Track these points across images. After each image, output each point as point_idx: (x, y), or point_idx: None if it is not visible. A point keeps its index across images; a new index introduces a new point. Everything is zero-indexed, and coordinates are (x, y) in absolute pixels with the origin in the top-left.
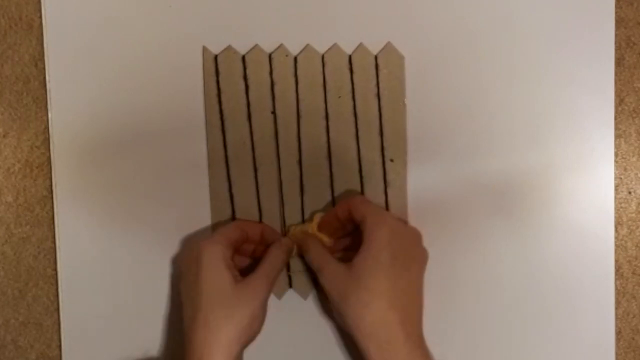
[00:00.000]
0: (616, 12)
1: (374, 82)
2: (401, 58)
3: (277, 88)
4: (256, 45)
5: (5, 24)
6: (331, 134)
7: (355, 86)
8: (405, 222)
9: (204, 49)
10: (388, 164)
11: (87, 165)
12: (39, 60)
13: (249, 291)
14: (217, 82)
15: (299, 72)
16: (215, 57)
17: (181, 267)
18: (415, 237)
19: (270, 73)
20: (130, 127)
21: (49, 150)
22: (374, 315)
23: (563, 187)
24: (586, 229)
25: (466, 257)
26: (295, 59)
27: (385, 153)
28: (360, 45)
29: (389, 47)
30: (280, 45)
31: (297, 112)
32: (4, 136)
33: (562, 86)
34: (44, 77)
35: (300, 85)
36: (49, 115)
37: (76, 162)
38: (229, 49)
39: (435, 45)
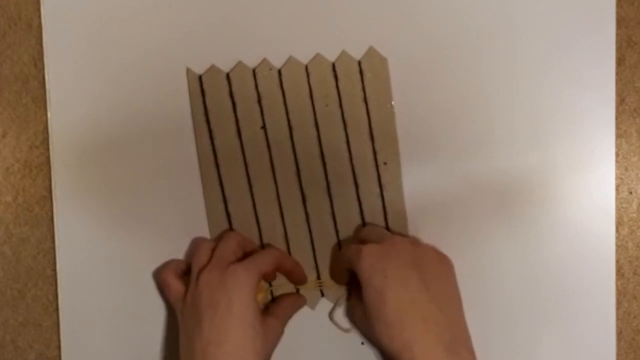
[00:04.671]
0: (617, 12)
1: (360, 87)
2: (384, 61)
3: (264, 102)
4: (239, 62)
5: (4, 23)
6: (323, 143)
7: (341, 93)
8: (398, 234)
9: (188, 70)
10: (382, 167)
11: (87, 165)
12: (38, 60)
13: (270, 331)
14: (204, 102)
15: (284, 84)
16: (200, 77)
17: (202, 289)
18: (400, 249)
19: (256, 88)
20: (130, 127)
21: (48, 150)
22: (397, 342)
23: (564, 188)
24: (587, 229)
25: (466, 257)
26: (279, 71)
27: (378, 157)
28: (343, 52)
29: (371, 51)
30: (264, 60)
31: (287, 124)
32: (3, 136)
33: (562, 86)
34: (43, 77)
35: (287, 98)
36: (48, 115)
37: (75, 162)
38: (212, 68)
39: (426, 46)
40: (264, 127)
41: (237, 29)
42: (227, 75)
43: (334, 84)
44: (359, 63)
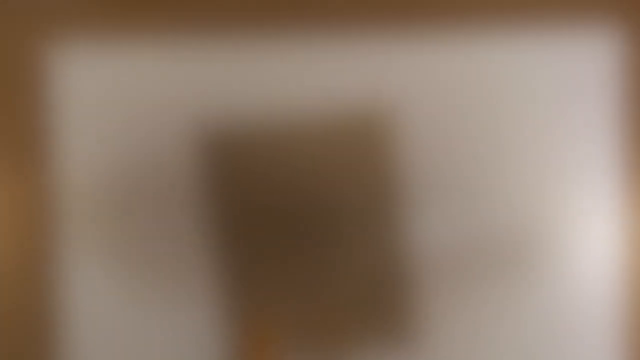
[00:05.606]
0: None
1: (365, 141)
2: (390, 116)
3: (266, 169)
4: (241, 127)
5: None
6: (330, 200)
7: (347, 149)
8: None
9: (194, 129)
10: (390, 212)
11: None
12: (46, 112)
13: None
14: (209, 163)
15: (287, 148)
16: (204, 137)
17: None
18: None
19: (258, 154)
20: (134, 181)
21: (53, 201)
22: None
23: (573, 237)
24: (593, 277)
25: (477, 301)
26: (283, 136)
27: (385, 203)
28: (347, 107)
29: (376, 107)
30: (265, 125)
31: (292, 186)
32: (8, 189)
33: (567, 136)
34: (52, 129)
35: (291, 161)
36: (54, 169)
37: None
38: (216, 129)
39: (438, 95)
40: (266, 192)
41: (242, 86)
42: (230, 140)
43: (340, 143)
44: (362, 118)
